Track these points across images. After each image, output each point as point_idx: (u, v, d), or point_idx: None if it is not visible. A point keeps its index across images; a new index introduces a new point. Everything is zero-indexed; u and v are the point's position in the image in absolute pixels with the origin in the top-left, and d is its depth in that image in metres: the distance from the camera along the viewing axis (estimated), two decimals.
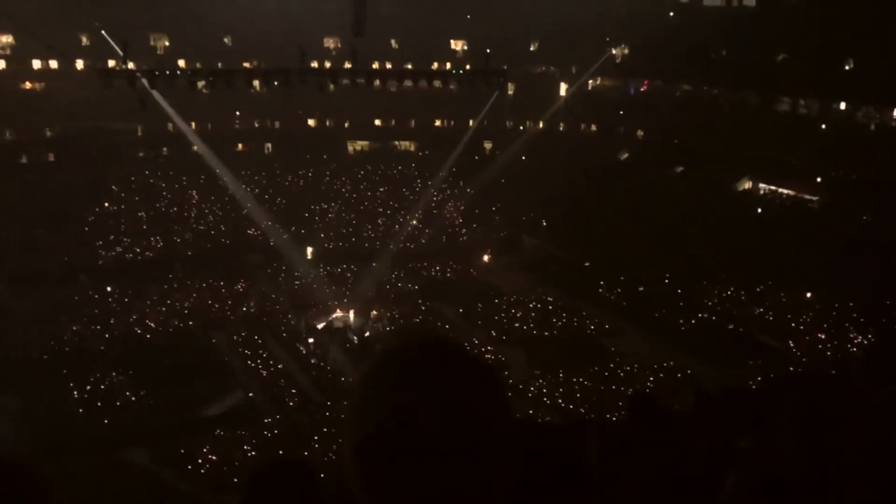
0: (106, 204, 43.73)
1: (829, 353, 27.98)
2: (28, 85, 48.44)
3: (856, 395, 5.13)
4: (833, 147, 38.14)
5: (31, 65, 47.96)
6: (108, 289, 36.11)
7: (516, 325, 34.04)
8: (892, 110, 39.88)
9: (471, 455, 0.98)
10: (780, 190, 41.30)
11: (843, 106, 42.00)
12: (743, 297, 33.77)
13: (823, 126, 41.49)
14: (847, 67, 40.33)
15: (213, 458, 23.02)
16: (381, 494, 0.99)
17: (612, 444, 4.36)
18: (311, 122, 53.25)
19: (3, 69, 47.57)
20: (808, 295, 32.51)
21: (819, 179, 39.22)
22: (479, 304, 36.29)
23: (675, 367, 28.36)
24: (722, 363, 28.02)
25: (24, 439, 24.11)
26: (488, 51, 36.89)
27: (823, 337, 29.37)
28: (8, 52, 47.60)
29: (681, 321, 32.89)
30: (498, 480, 1.01)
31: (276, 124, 52.11)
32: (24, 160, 45.66)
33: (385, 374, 1.05)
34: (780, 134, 40.26)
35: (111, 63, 38.08)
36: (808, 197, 39.56)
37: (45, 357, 29.59)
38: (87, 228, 41.39)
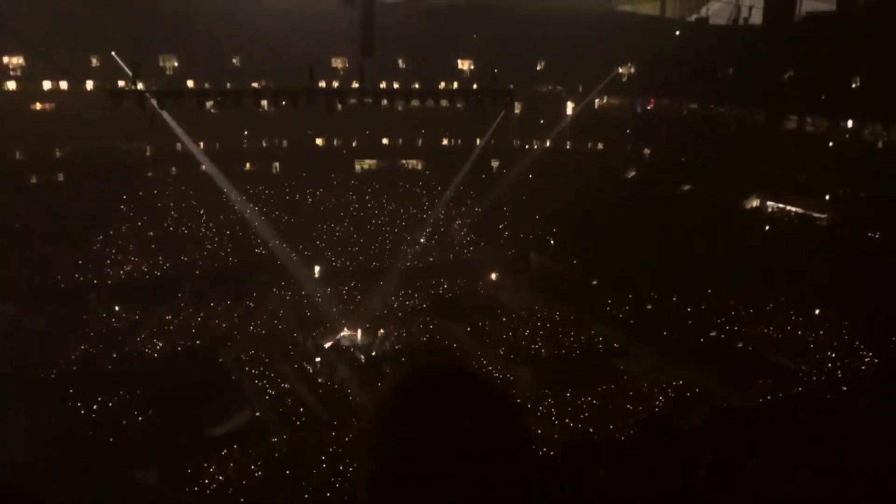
0: (115, 223, 43.89)
1: (838, 371, 27.79)
2: (38, 105, 48.83)
3: (865, 413, 5.11)
4: (840, 164, 38.07)
5: (41, 85, 48.39)
6: (117, 308, 36.17)
7: (524, 342, 33.94)
8: None
9: (490, 486, 0.96)
10: (788, 207, 41.20)
11: (850, 123, 41.98)
12: (752, 315, 33.61)
13: (831, 143, 41.46)
14: (854, 85, 40.35)
15: (221, 477, 22.94)
16: None
17: (622, 463, 4.35)
18: (318, 141, 53.49)
19: (15, 90, 48.01)
20: (817, 312, 32.35)
21: (827, 197, 39.14)
22: (487, 322, 36.20)
23: (684, 386, 28.19)
24: (731, 381, 27.88)
25: (32, 458, 24.12)
26: (495, 70, 36.99)
27: (833, 355, 29.18)
28: (19, 73, 48.05)
29: (689, 339, 32.73)
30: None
31: (284, 143, 52.36)
32: (33, 180, 45.94)
33: (401, 404, 1.02)
34: (788, 152, 40.26)
35: (121, 84, 38.42)
36: (815, 214, 39.46)
37: (54, 376, 29.60)
38: (95, 248, 41.54)
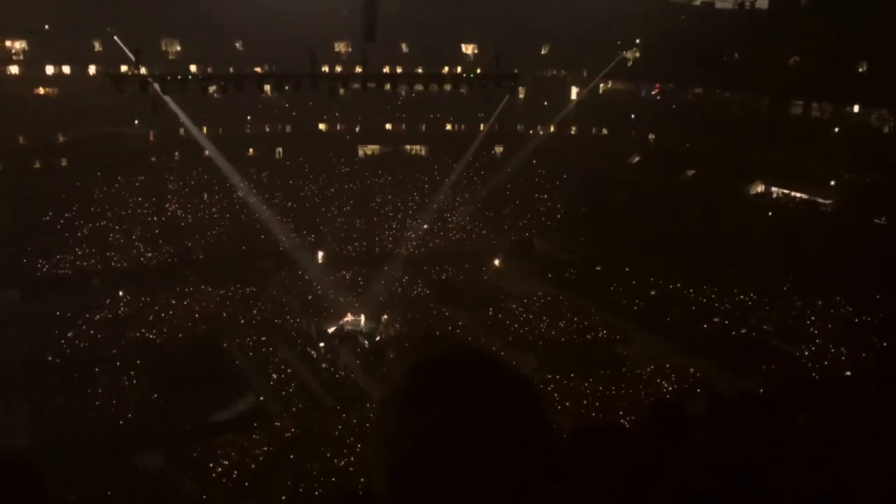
0: (118, 209, 43.92)
1: (843, 358, 27.73)
2: (41, 90, 48.80)
3: (869, 401, 5.06)
4: (846, 150, 37.86)
5: (44, 70, 48.34)
6: (121, 294, 36.23)
7: (527, 329, 33.94)
8: None
9: (515, 473, 0.93)
10: (793, 193, 41.04)
11: (856, 109, 41.75)
12: (756, 301, 33.54)
13: (836, 129, 41.23)
14: (860, 70, 40.08)
15: (224, 462, 23.02)
16: None
17: (626, 449, 4.32)
18: (321, 126, 53.40)
19: (17, 75, 47.96)
20: (822, 299, 32.26)
21: (832, 183, 38.97)
22: (490, 308, 36.20)
23: (688, 372, 28.19)
24: (735, 368, 27.86)
25: (36, 443, 24.23)
26: (499, 54, 36.78)
27: (838, 341, 29.11)
28: (22, 57, 47.97)
29: (693, 325, 32.70)
30: (544, 497, 0.96)
31: (287, 128, 52.28)
32: (37, 165, 45.95)
33: (420, 391, 0.99)
34: (793, 137, 40.03)
35: (123, 68, 38.35)
36: (821, 200, 39.30)
37: (58, 361, 29.69)
38: (98, 233, 41.57)
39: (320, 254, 42.15)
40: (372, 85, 37.68)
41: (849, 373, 25.31)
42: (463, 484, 0.91)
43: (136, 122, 45.85)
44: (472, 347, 1.06)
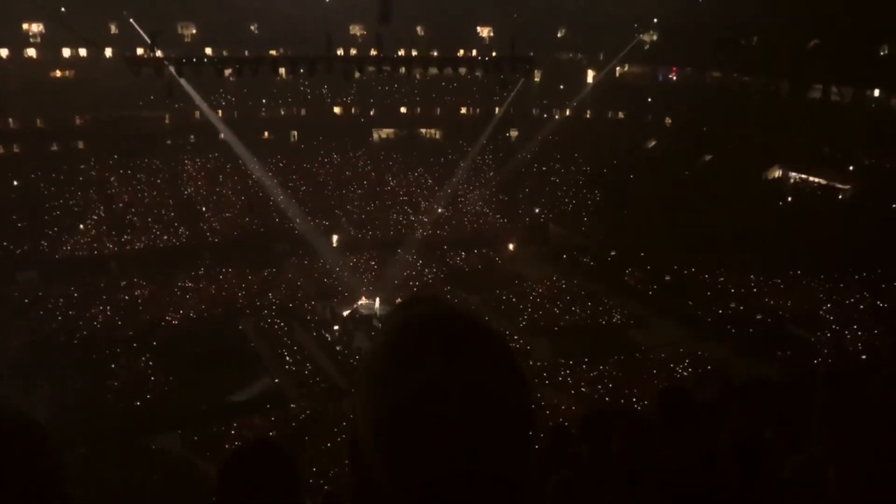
0: (134, 192, 44.19)
1: (859, 344, 27.57)
2: (58, 73, 49.03)
3: (885, 387, 5.03)
4: (865, 135, 37.46)
5: (60, 53, 48.54)
6: (137, 277, 36.52)
7: (542, 313, 33.95)
8: None
9: (493, 430, 0.96)
10: (811, 178, 40.70)
11: (876, 93, 41.25)
12: (772, 287, 33.38)
13: (856, 113, 40.77)
14: (881, 53, 39.58)
15: (240, 443, 23.22)
16: (403, 472, 0.97)
17: (638, 433, 4.33)
18: (336, 109, 53.39)
19: (34, 58, 48.19)
20: (839, 285, 32.04)
21: (851, 168, 38.59)
22: (504, 293, 36.22)
23: (703, 358, 28.12)
24: (750, 354, 27.76)
25: (55, 424, 24.51)
26: (514, 37, 36.56)
27: (854, 327, 28.93)
28: (38, 40, 48.19)
29: (708, 311, 32.60)
30: (522, 455, 1.00)
31: (302, 112, 52.30)
32: (54, 148, 46.26)
33: (398, 351, 1.02)
34: (811, 122, 39.65)
35: (139, 51, 38.44)
36: (839, 186, 38.96)
37: (75, 343, 30.01)
38: (115, 216, 41.86)
39: (335, 237, 42.28)
40: (387, 68, 37.55)
41: (864, 357, 25.17)
42: (443, 436, 0.94)
43: (153, 105, 46.01)
44: (449, 306, 1.09)
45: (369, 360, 1.06)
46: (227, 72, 37.15)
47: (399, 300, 1.63)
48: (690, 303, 33.46)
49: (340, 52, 44.78)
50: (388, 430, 0.97)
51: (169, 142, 48.46)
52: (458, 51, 47.68)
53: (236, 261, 38.57)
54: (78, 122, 47.82)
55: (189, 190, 45.57)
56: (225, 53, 43.59)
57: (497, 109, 51.52)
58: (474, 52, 47.47)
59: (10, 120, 45.68)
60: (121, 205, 42.87)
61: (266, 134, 51.12)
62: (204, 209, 44.02)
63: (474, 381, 0.97)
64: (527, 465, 1.01)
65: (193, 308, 34.11)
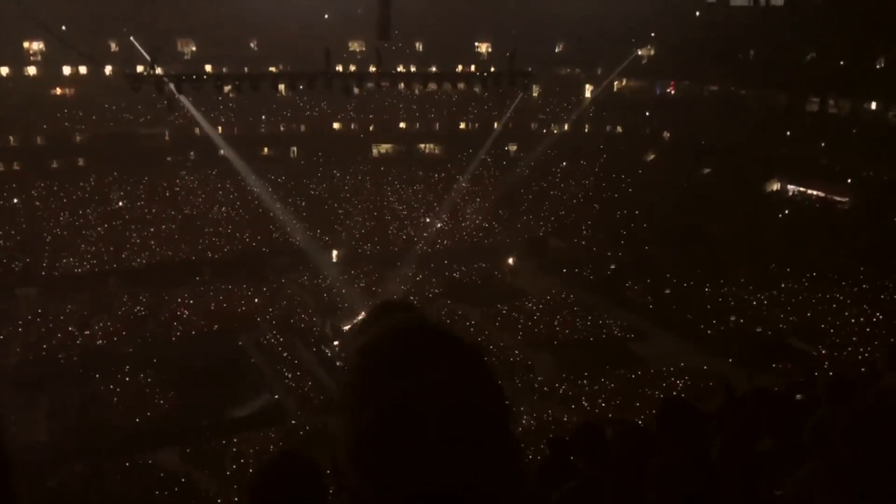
0: (134, 208, 44.21)
1: (859, 356, 27.53)
2: (58, 91, 49.17)
3: (883, 399, 5.04)
4: (863, 147, 37.55)
5: (61, 71, 48.70)
6: (137, 292, 36.48)
7: (542, 327, 33.91)
8: None
9: (469, 443, 0.97)
10: (810, 191, 40.74)
11: (874, 105, 41.38)
12: (772, 300, 33.34)
13: (854, 126, 40.89)
14: (878, 66, 39.73)
15: (241, 459, 23.16)
16: (383, 486, 0.97)
17: (639, 445, 4.33)
18: (336, 125, 53.49)
19: (35, 75, 48.37)
20: (839, 297, 32.02)
21: (849, 180, 38.65)
22: (505, 307, 36.17)
23: (703, 370, 28.07)
24: (751, 366, 27.66)
25: (54, 439, 24.46)
26: (513, 52, 36.68)
27: (854, 340, 28.89)
28: (39, 58, 48.38)
29: (709, 324, 32.55)
30: (502, 467, 1.01)
31: (302, 127, 52.41)
32: (54, 165, 46.32)
33: (372, 367, 1.03)
34: (809, 134, 39.77)
35: (139, 68, 38.54)
36: (837, 198, 39.00)
37: (75, 359, 29.95)
38: (115, 232, 41.87)
39: (335, 252, 42.25)
40: (386, 83, 37.63)
41: (864, 370, 25.12)
42: (419, 458, 0.95)
43: (153, 121, 46.14)
44: (420, 319, 1.10)
45: (343, 382, 1.06)
46: (227, 88, 37.22)
47: (371, 306, 1.64)
48: (690, 316, 33.40)
49: (340, 67, 44.87)
50: (366, 452, 0.98)
51: (169, 158, 48.51)
52: (457, 66, 47.80)
53: (236, 276, 38.54)
54: (78, 138, 47.89)
55: (189, 206, 45.58)
56: (225, 70, 43.69)
57: (496, 124, 51.63)
58: (473, 67, 47.53)
59: (11, 137, 45.75)
60: (120, 221, 42.87)
61: (266, 150, 51.17)
62: (203, 224, 44.02)
63: (448, 395, 0.98)
64: (511, 476, 1.01)
65: (193, 324, 34.06)
